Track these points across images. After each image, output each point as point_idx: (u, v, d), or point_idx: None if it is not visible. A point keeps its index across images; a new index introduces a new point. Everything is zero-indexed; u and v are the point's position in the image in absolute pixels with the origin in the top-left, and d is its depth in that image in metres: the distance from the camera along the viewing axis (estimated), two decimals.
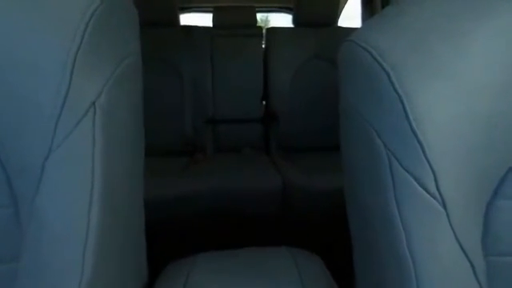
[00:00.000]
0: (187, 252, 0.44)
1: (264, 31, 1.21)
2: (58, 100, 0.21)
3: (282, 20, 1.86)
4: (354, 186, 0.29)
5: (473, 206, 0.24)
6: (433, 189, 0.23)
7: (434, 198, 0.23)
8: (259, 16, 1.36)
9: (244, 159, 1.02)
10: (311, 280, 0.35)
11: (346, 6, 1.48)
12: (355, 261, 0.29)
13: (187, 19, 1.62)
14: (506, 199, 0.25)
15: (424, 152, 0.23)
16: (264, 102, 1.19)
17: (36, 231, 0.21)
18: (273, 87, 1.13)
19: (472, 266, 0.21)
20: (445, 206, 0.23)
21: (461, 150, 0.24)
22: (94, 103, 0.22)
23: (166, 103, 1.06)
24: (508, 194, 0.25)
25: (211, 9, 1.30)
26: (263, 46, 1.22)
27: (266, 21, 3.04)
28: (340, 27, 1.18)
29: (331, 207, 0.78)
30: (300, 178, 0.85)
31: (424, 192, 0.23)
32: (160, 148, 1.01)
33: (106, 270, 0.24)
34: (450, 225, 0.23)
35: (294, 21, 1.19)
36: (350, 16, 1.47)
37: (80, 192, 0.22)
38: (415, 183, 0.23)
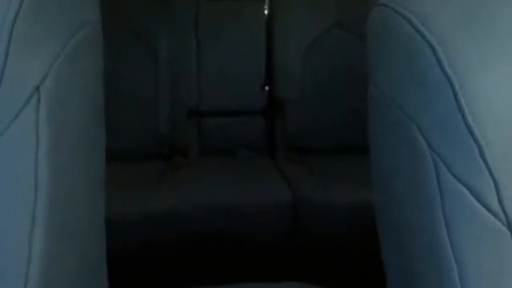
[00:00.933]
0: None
1: None
2: None
3: None
4: (387, 201, 0.30)
5: None
6: (494, 204, 0.23)
7: (496, 216, 0.23)
8: None
9: (240, 165, 1.01)
10: None
11: None
12: (384, 257, 0.30)
13: None
14: None
15: (483, 155, 0.23)
16: (267, 88, 1.20)
17: None
18: (279, 67, 1.15)
19: None
20: (510, 227, 0.23)
21: None
22: (37, 88, 0.22)
23: (135, 90, 1.09)
24: None
25: None
26: (265, 11, 1.24)
27: None
28: None
29: (355, 229, 0.78)
30: (315, 191, 0.89)
31: (483, 208, 0.23)
32: (127, 150, 1.03)
33: None
34: (509, 229, 0.23)
35: None
36: None
37: (18, 209, 0.23)
38: (471, 196, 0.23)
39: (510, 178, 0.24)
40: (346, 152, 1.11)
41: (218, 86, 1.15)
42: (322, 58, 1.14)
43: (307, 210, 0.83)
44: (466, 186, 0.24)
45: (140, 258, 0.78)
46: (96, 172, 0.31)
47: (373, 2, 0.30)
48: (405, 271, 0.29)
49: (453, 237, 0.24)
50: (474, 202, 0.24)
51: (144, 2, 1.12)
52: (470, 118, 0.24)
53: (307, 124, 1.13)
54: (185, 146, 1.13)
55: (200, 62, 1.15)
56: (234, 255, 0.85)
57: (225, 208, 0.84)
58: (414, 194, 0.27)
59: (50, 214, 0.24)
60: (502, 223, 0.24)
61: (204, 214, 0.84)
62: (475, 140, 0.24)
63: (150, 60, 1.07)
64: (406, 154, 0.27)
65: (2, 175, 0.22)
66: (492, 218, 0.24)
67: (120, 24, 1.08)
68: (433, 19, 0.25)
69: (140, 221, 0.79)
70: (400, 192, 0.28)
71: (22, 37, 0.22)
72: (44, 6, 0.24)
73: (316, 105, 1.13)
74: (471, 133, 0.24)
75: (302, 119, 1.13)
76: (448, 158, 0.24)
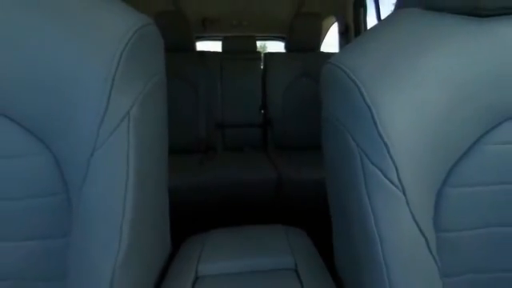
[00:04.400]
0: (202, 228, 0.44)
1: (262, 55, 1.41)
2: (101, 109, 0.23)
3: (276, 46, 1.87)
4: (333, 179, 0.31)
5: (426, 193, 0.26)
6: (395, 180, 0.24)
7: (396, 187, 0.24)
8: (258, 43, 1.37)
9: (246, 156, 1.04)
10: (300, 251, 0.35)
11: (327, 36, 1.49)
12: (334, 237, 0.30)
13: (201, 46, 1.62)
14: (450, 187, 0.27)
15: (388, 151, 0.24)
16: (262, 111, 1.35)
17: (83, 213, 0.24)
18: (269, 99, 1.29)
19: (426, 240, 0.22)
20: (404, 193, 0.24)
21: (416, 150, 0.25)
22: (128, 112, 0.24)
23: (185, 112, 1.23)
24: (452, 184, 0.27)
25: (221, 38, 1.29)
26: (261, 67, 1.41)
27: (264, 47, 3.08)
28: (322, 52, 1.24)
29: (317, 195, 0.78)
30: (292, 171, 0.93)
31: (388, 182, 0.24)
32: (181, 147, 1.16)
33: (139, 242, 0.26)
34: (409, 208, 0.24)
35: (286, 47, 1.42)
36: (328, 43, 1.48)
37: (118, 182, 0.23)
38: (381, 175, 0.24)
39: (404, 164, 0.24)
40: (310, 149, 1.21)
41: (233, 110, 1.31)
42: (295, 94, 1.28)
43: (287, 182, 0.83)
44: (378, 169, 0.24)
45: (188, 210, 0.78)
46: (163, 160, 0.32)
47: (324, 61, 0.31)
48: (342, 221, 0.30)
49: (371, 199, 0.24)
50: (384, 178, 0.24)
51: (189, 60, 1.24)
52: (381, 129, 0.24)
53: (287, 133, 1.26)
54: (214, 145, 1.28)
55: (223, 95, 1.31)
56: (243, 208, 0.95)
57: (237, 181, 0.92)
58: (348, 174, 0.26)
59: (136, 184, 0.24)
60: (400, 191, 0.24)
61: (227, 184, 0.92)
62: (384, 142, 0.24)
63: (193, 94, 1.25)
64: (343, 150, 0.27)
65: (108, 163, 0.23)
66: (394, 188, 0.24)
67: (176, 73, 1.21)
68: (358, 70, 0.26)
69: (190, 188, 0.86)
70: (340, 173, 0.28)
71: (119, 82, 0.23)
72: (132, 64, 0.24)
73: (292, 121, 1.26)
74: (381, 138, 0.24)
75: (283, 130, 1.26)
76: (368, 152, 0.25)
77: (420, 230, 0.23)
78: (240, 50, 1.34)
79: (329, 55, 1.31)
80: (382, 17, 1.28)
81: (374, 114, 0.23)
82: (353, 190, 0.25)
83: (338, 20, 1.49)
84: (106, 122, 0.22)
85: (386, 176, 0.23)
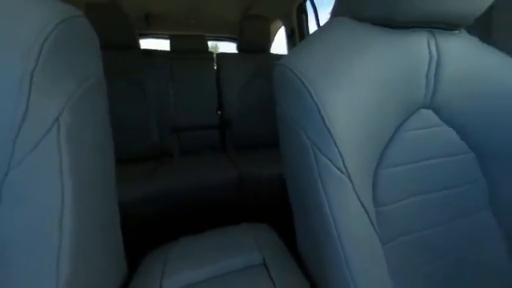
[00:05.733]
0: (163, 241, 0.39)
1: (215, 56, 1.36)
2: (16, 117, 0.18)
3: (228, 47, 1.86)
4: (291, 172, 0.32)
5: (365, 176, 0.29)
6: (342, 167, 0.26)
7: (343, 173, 0.26)
8: (210, 43, 1.34)
9: (205, 158, 0.99)
10: (266, 245, 0.36)
11: (276, 38, 1.57)
12: (296, 227, 0.32)
13: (145, 44, 1.49)
14: (382, 169, 0.32)
15: (335, 142, 0.26)
16: (219, 112, 1.31)
17: (2, 245, 0.19)
18: (225, 100, 1.25)
19: (368, 215, 0.25)
20: (350, 179, 0.26)
21: (355, 139, 0.28)
22: (57, 119, 0.20)
23: (133, 116, 1.11)
24: (383, 166, 0.32)
25: (167, 36, 1.20)
26: (215, 67, 1.36)
27: (216, 47, 3.01)
28: (272, 53, 1.26)
29: (278, 189, 0.80)
30: (252, 168, 0.93)
31: (337, 170, 0.26)
32: (133, 155, 1.07)
33: (85, 270, 0.23)
34: (355, 190, 0.27)
35: (238, 48, 1.39)
36: (276, 45, 1.56)
37: (49, 203, 0.20)
38: (331, 165, 0.26)
39: (348, 153, 0.27)
40: (268, 146, 1.23)
41: (189, 112, 1.24)
42: (249, 95, 1.27)
43: (249, 181, 0.86)
44: (328, 159, 0.26)
45: (144, 223, 0.71)
46: (108, 170, 0.29)
47: (275, 62, 0.32)
48: (301, 209, 0.31)
49: (324, 186, 0.26)
50: (332, 167, 0.26)
51: (134, 59, 1.13)
52: (327, 123, 0.26)
53: (244, 132, 1.25)
54: (170, 151, 1.19)
55: (176, 97, 1.23)
56: (207, 211, 0.91)
57: (196, 184, 0.87)
58: (303, 166, 0.28)
59: (75, 203, 0.21)
60: (346, 176, 0.26)
61: (185, 188, 0.86)
62: (330, 134, 0.26)
63: (141, 96, 1.16)
64: (297, 144, 0.28)
65: (33, 181, 0.19)
66: (341, 174, 0.26)
67: (120, 73, 1.09)
68: (305, 71, 0.28)
69: (143, 199, 0.78)
70: (296, 165, 0.30)
71: (40, 83, 0.19)
72: (57, 61, 0.21)
73: (249, 121, 1.25)
74: (328, 131, 0.26)
75: (241, 130, 1.25)
76: (319, 144, 0.26)
77: (364, 208, 0.26)
78: (191, 50, 1.28)
79: (279, 56, 1.41)
80: (321, 22, 1.43)
81: (321, 111, 0.26)
82: (309, 181, 0.26)
83: (284, 24, 1.57)
84: (26, 133, 0.18)
85: (335, 165, 0.25)
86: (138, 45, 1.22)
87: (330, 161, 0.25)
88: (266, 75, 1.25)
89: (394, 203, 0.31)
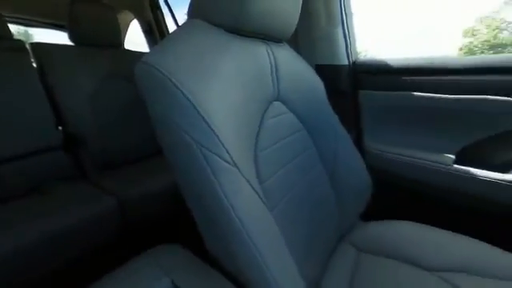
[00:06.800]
0: None
1: (28, 46, 0.92)
2: None
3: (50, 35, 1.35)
4: (182, 176, 0.31)
5: (249, 160, 0.33)
6: (228, 159, 0.27)
7: (231, 164, 0.27)
8: (14, 28, 0.91)
9: (59, 193, 0.78)
10: (176, 268, 0.31)
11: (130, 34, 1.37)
12: (202, 230, 0.34)
13: None
14: (259, 152, 0.36)
15: (218, 136, 0.27)
16: (60, 128, 0.94)
17: None
18: (67, 111, 0.92)
19: (257, 194, 0.31)
20: (237, 167, 0.28)
21: (233, 130, 0.29)
22: None
23: None
24: (259, 149, 0.36)
25: None
26: (33, 64, 0.94)
27: (27, 35, 2.08)
28: (129, 50, 1.07)
29: (170, 201, 0.72)
30: (133, 190, 0.77)
31: (226, 163, 0.27)
32: None
33: None
34: (244, 176, 0.29)
35: (73, 39, 1.03)
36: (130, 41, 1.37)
37: None
38: (220, 159, 0.27)
39: (231, 145, 0.28)
40: (144, 158, 1.03)
41: (9, 134, 0.78)
42: (106, 100, 1.00)
43: (133, 203, 0.76)
44: (216, 154, 0.26)
45: None
46: None
47: (136, 60, 0.30)
48: (201, 209, 0.31)
49: (218, 179, 0.26)
50: (221, 161, 0.26)
51: None
52: (208, 120, 0.26)
53: (107, 147, 0.98)
54: None
55: None
56: (85, 258, 0.66)
57: (60, 228, 0.61)
58: (194, 166, 0.28)
59: None
60: (234, 166, 0.28)
61: (35, 245, 0.58)
62: (212, 129, 0.26)
63: None
64: (182, 146, 0.28)
65: None
66: (230, 166, 0.27)
67: None
68: (174, 71, 0.27)
69: None
70: (187, 167, 0.29)
71: None
72: None
73: (111, 133, 1.00)
74: (209, 126, 0.26)
75: (101, 145, 0.97)
76: (203, 143, 0.26)
77: (252, 188, 0.30)
78: None
79: (137, 54, 1.22)
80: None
81: (197, 108, 0.26)
82: (203, 181, 0.27)
83: (138, 18, 1.40)
84: None
85: (223, 159, 0.26)
86: None
87: (218, 156, 0.26)
88: (127, 75, 1.05)
89: (271, 177, 0.38)
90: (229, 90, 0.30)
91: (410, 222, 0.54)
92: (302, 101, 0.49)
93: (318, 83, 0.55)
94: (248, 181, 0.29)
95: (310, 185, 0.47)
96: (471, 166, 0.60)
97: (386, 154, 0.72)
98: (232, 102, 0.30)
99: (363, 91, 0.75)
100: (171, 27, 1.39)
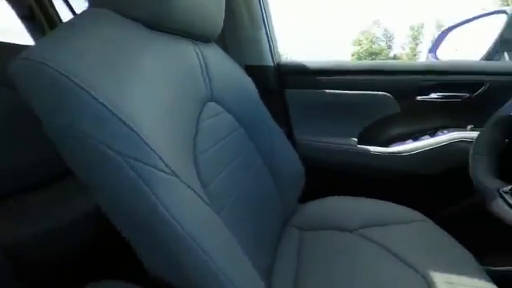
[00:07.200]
0: None
1: None
2: None
3: None
4: (107, 198, 0.26)
5: (190, 165, 0.31)
6: (165, 168, 0.24)
7: (169, 173, 0.25)
8: None
9: None
10: None
11: None
12: (138, 250, 0.29)
13: None
14: (199, 155, 0.34)
15: (148, 144, 0.24)
16: None
17: None
18: None
19: (201, 197, 0.29)
20: (176, 175, 0.26)
21: (167, 135, 0.26)
22: None
23: None
24: (198, 152, 0.34)
25: None
26: None
27: None
28: None
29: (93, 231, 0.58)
30: (26, 228, 0.57)
31: (161, 173, 0.24)
32: None
33: None
34: (184, 182, 0.27)
35: None
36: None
37: None
38: (154, 169, 0.24)
39: (165, 151, 0.25)
40: (41, 186, 0.75)
41: None
42: None
43: (22, 247, 0.51)
44: (148, 165, 0.23)
45: None
46: None
47: (9, 55, 0.23)
48: (135, 227, 0.27)
49: (154, 191, 0.24)
50: (156, 171, 0.24)
51: None
52: (129, 123, 0.23)
53: None
54: None
55: None
56: None
57: None
58: (125, 187, 0.24)
59: None
60: (172, 175, 0.25)
61: None
62: (138, 135, 0.23)
63: None
64: (102, 164, 0.23)
65: None
66: (166, 175, 0.25)
67: None
68: (78, 70, 0.22)
69: None
70: (111, 184, 0.24)
71: None
72: None
73: None
74: (134, 131, 0.23)
75: None
76: (129, 151, 0.23)
77: (197, 194, 0.28)
78: None
79: (10, 46, 0.90)
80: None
81: (119, 116, 0.22)
82: (137, 195, 0.23)
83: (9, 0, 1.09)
84: None
85: (157, 168, 0.24)
86: None
87: (152, 166, 0.23)
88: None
89: (215, 179, 0.37)
90: (155, 90, 0.27)
91: (337, 197, 0.64)
92: (236, 100, 0.49)
93: (249, 83, 0.57)
94: (190, 187, 0.27)
95: (252, 180, 0.48)
96: (367, 145, 0.78)
97: (313, 143, 0.83)
98: (161, 103, 0.27)
99: (289, 90, 0.83)
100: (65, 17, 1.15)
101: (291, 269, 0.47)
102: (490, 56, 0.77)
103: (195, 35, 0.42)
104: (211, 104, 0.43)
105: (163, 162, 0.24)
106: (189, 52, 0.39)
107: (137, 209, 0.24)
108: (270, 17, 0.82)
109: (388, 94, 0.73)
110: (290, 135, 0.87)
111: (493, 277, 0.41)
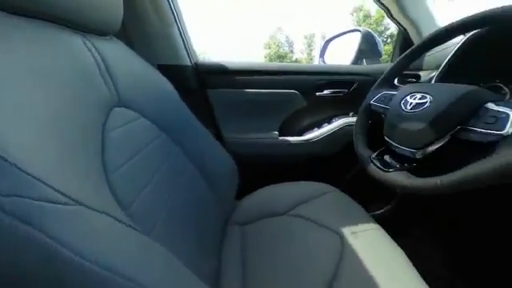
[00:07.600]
0: None
1: None
2: None
3: None
4: None
5: (100, 187, 0.25)
6: (61, 197, 0.19)
7: (66, 203, 0.20)
8: None
9: None
10: None
11: None
12: None
13: None
14: (113, 172, 0.30)
15: (29, 173, 0.18)
16: None
17: None
18: None
19: (119, 221, 0.25)
20: (82, 203, 0.21)
21: (58, 155, 0.21)
22: None
23: None
24: (112, 169, 0.30)
25: None
26: None
27: None
28: None
29: None
30: None
31: (57, 205, 0.19)
32: None
33: None
34: (94, 209, 0.22)
35: None
36: None
37: None
38: (45, 203, 0.18)
39: (56, 176, 0.20)
40: None
41: None
42: None
43: None
44: (31, 198, 0.17)
45: None
46: None
47: None
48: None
49: (48, 232, 0.18)
50: (46, 203, 0.18)
51: None
52: (3, 155, 0.17)
53: None
54: None
55: None
56: None
57: None
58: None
59: None
60: (75, 204, 0.20)
61: None
62: (8, 161, 0.17)
63: None
64: None
65: None
66: (64, 206, 0.19)
67: None
68: None
69: None
70: None
71: None
72: None
73: None
74: (15, 166, 0.17)
75: None
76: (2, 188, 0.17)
77: (116, 219, 0.24)
78: None
79: None
80: None
81: None
82: (26, 246, 0.17)
83: None
84: None
85: (49, 201, 0.18)
86: None
87: (42, 200, 0.18)
88: None
89: (137, 197, 0.32)
90: (30, 96, 0.21)
91: (268, 186, 0.70)
92: (152, 103, 0.44)
93: (165, 83, 0.52)
94: (104, 212, 0.22)
95: (185, 186, 0.45)
96: (286, 136, 0.90)
97: (241, 140, 0.87)
98: (42, 114, 0.21)
99: (210, 90, 0.83)
100: None
101: (237, 266, 0.47)
102: (355, 61, 1.08)
103: (84, 26, 0.34)
104: (119, 110, 0.36)
105: (56, 190, 0.19)
106: (76, 46, 0.32)
107: (25, 263, 0.17)
108: (181, 13, 0.78)
109: (296, 92, 0.86)
110: (218, 135, 0.88)
111: (377, 219, 0.55)
